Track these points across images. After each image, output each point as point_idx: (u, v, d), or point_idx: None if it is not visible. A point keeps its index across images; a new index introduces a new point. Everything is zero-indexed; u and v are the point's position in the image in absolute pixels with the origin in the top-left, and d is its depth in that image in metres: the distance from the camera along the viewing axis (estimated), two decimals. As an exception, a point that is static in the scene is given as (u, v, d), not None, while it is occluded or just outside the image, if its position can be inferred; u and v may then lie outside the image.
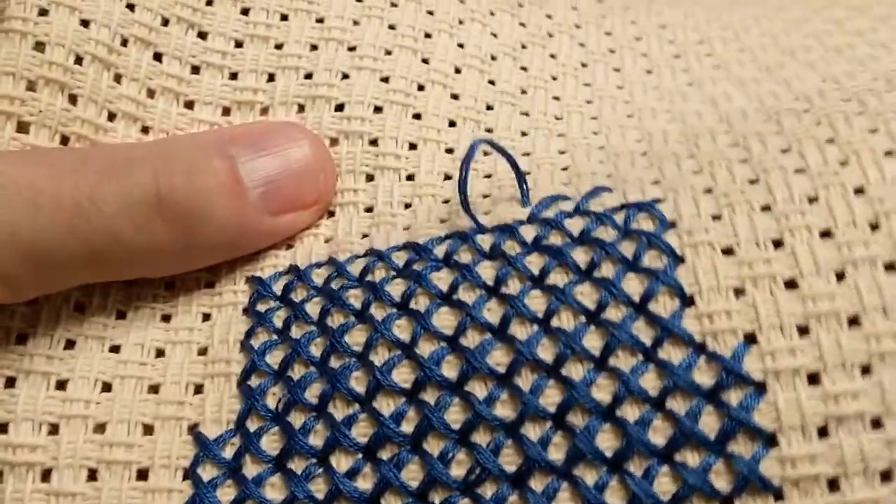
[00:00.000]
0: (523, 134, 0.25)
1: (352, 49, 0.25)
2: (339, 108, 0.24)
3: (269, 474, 0.20)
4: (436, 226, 0.23)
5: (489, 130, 0.25)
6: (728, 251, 0.19)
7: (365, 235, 0.23)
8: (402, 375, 0.20)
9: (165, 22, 0.24)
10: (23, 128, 0.22)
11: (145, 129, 0.24)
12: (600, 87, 0.27)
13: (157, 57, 0.24)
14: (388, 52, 0.25)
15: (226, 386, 0.21)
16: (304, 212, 0.23)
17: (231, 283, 0.23)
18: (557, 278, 0.20)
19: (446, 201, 0.24)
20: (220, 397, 0.21)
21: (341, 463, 0.20)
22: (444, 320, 0.20)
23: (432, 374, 0.20)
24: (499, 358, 0.20)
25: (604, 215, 0.21)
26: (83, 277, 0.21)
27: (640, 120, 0.25)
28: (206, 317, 0.23)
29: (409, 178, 0.24)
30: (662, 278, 0.19)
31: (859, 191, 0.20)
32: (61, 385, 0.21)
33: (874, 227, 0.19)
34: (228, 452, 0.21)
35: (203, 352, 0.22)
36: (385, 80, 0.25)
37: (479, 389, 0.20)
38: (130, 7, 0.24)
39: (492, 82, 0.26)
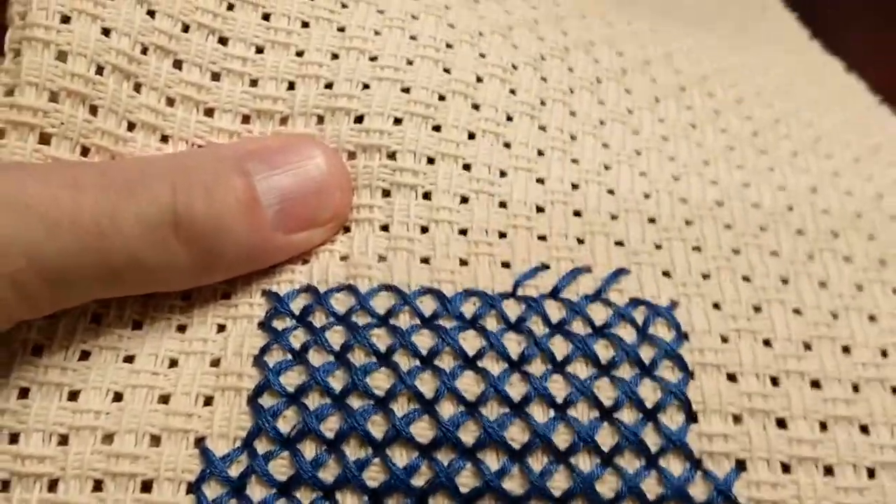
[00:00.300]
0: (540, 153, 0.25)
1: (373, 59, 0.25)
2: (359, 119, 0.24)
3: (273, 500, 0.21)
4: (457, 269, 0.23)
5: (507, 145, 0.25)
6: (732, 377, 0.22)
7: (382, 258, 0.23)
8: (420, 430, 0.21)
9: (186, 28, 0.24)
10: (44, 140, 0.22)
11: (164, 139, 0.24)
12: (612, 108, 0.27)
13: (177, 64, 0.24)
14: (410, 62, 0.25)
15: (236, 400, 0.22)
16: (319, 229, 0.23)
17: (247, 295, 0.23)
18: (578, 368, 0.21)
19: (463, 232, 0.23)
20: (230, 411, 0.21)
21: (347, 501, 0.20)
22: (467, 385, 0.21)
23: (450, 437, 0.21)
24: (515, 434, 0.21)
25: (624, 311, 0.22)
26: (100, 293, 0.21)
27: (648, 162, 0.26)
28: (221, 328, 0.23)
29: (426, 196, 0.24)
30: (674, 391, 0.21)
31: (846, 350, 0.23)
32: (73, 396, 0.21)
33: (856, 389, 0.22)
34: (234, 471, 0.21)
35: (216, 363, 0.22)
36: (406, 90, 0.24)
37: (491, 460, 0.20)
38: (151, 14, 0.23)
39: (513, 91, 0.26)
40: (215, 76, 0.24)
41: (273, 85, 0.24)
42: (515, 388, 0.21)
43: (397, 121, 0.24)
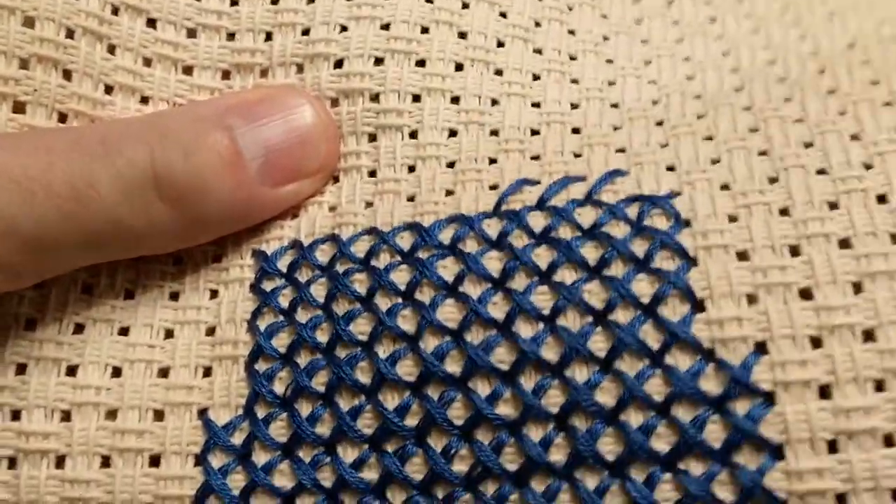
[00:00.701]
0: (535, 77, 0.24)
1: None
2: (339, 63, 0.23)
3: (277, 462, 0.20)
4: (441, 200, 0.22)
5: (499, 72, 0.24)
6: (743, 255, 0.19)
7: (369, 204, 0.22)
8: (406, 369, 0.20)
9: None
10: (19, 108, 0.22)
11: (144, 100, 0.23)
12: (617, 21, 0.26)
13: (151, 23, 0.23)
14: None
15: (233, 369, 0.21)
16: (306, 181, 0.22)
17: (237, 256, 0.22)
18: (565, 275, 0.20)
19: (451, 164, 0.23)
20: (229, 381, 0.21)
21: (347, 453, 0.20)
22: (449, 314, 0.20)
23: (436, 370, 0.20)
24: (502, 355, 0.19)
25: (616, 207, 0.20)
26: (84, 260, 0.21)
27: (658, 69, 0.25)
28: (214, 293, 0.22)
29: (413, 135, 0.23)
30: (673, 281, 0.19)
31: (882, 199, 0.19)
32: (72, 371, 0.21)
33: (895, 238, 0.19)
34: (238, 439, 0.21)
35: (211, 332, 0.22)
36: (385, 27, 0.23)
37: (481, 387, 0.19)
38: None
39: (503, 15, 0.24)
40: (191, 33, 0.24)
41: (250, 37, 0.24)
42: (498, 308, 0.20)
43: (378, 61, 0.23)
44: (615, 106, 0.23)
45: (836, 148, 0.20)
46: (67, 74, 0.22)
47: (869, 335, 0.18)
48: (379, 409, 0.20)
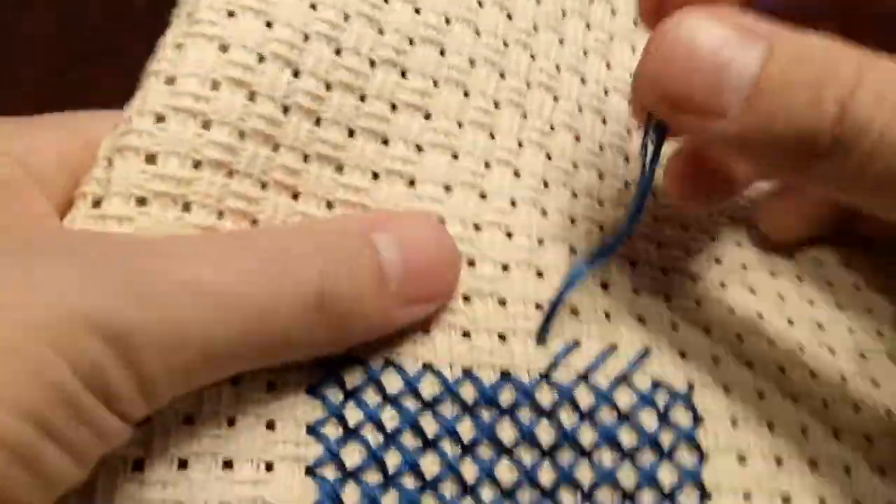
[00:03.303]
0: (572, 221, 0.29)
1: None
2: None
3: None
4: (496, 348, 0.26)
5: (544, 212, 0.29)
6: (742, 459, 0.27)
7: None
8: None
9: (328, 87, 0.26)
10: (187, 208, 0.23)
11: (295, 196, 0.25)
12: None
13: (317, 122, 0.26)
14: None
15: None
16: (431, 304, 0.25)
17: None
18: (605, 457, 0.26)
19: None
20: None
21: None
22: (504, 473, 0.24)
23: None
24: None
25: (647, 397, 0.27)
26: (246, 368, 0.22)
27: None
28: None
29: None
30: (691, 474, 0.26)
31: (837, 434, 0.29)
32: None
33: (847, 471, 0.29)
34: None
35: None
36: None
37: None
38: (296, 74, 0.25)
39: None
40: (351, 133, 0.26)
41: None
42: (546, 476, 0.25)
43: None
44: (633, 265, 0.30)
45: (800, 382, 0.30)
46: (230, 174, 0.24)
47: None
48: None
